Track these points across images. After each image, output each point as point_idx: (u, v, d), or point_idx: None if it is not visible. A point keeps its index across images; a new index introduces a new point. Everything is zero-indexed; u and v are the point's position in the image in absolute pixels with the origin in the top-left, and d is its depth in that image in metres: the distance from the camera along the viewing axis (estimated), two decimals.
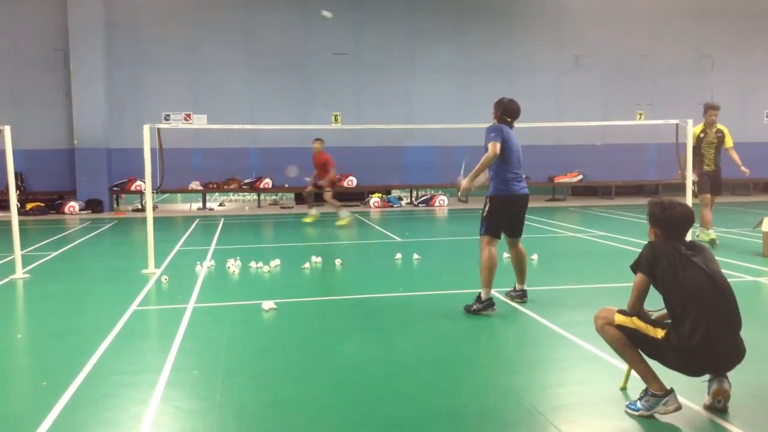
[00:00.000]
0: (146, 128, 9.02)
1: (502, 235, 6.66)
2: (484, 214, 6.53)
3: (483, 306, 6.34)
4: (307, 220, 14.85)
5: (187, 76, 19.24)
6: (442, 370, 4.87)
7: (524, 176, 6.72)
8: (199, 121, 19.04)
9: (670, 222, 4.01)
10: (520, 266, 6.87)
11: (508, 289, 7.05)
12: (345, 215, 14.48)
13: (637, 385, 4.12)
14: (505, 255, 9.35)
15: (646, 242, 4.12)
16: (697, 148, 10.60)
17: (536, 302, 6.84)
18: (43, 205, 17.59)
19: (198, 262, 9.24)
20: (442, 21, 20.31)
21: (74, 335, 6.00)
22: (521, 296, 6.88)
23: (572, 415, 4.05)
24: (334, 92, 19.82)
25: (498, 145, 6.29)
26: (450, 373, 4.81)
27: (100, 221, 15.66)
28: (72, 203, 17.59)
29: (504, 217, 6.53)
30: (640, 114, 20.90)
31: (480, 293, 6.40)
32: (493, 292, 6.50)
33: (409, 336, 5.82)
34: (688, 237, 4.13)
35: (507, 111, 6.58)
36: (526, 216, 6.89)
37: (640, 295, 4.01)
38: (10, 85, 18.31)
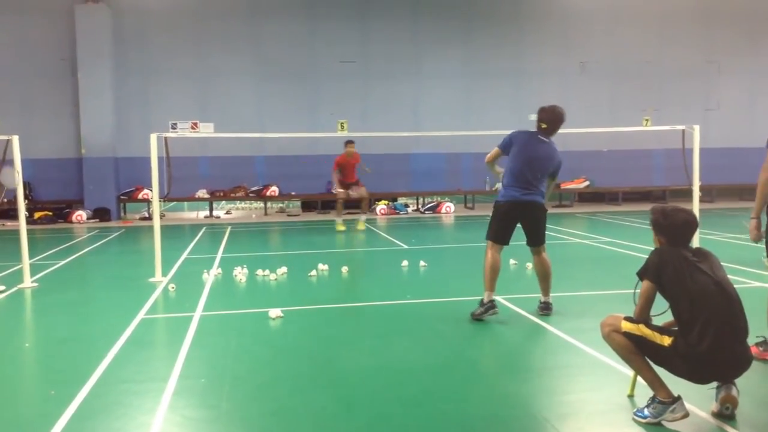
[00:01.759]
0: (153, 137, 9.06)
1: (527, 246, 6.72)
2: (490, 219, 6.63)
3: (484, 309, 6.36)
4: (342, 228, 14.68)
5: (194, 84, 19.31)
6: (448, 377, 4.87)
7: (540, 187, 6.54)
8: (206, 130, 19.07)
9: (673, 229, 4.01)
10: (542, 276, 6.70)
11: (513, 296, 7.08)
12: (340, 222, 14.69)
13: (644, 392, 4.12)
14: (510, 262, 9.40)
15: (652, 249, 4.12)
16: None
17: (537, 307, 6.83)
18: (50, 214, 17.64)
19: (205, 270, 9.26)
20: (448, 28, 20.33)
21: (82, 344, 6.03)
22: (543, 309, 6.67)
23: (580, 422, 4.04)
24: (341, 100, 19.84)
25: (495, 150, 6.70)
26: (456, 380, 4.81)
27: (108, 230, 15.72)
28: (79, 212, 17.64)
29: (505, 223, 6.51)
30: (647, 120, 20.85)
31: (483, 296, 6.42)
32: (498, 299, 6.49)
33: (415, 343, 5.82)
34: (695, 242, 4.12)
35: (542, 116, 6.67)
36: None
37: (647, 303, 4.00)
38: (18, 95, 18.40)
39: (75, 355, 5.63)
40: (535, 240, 6.63)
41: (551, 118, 6.63)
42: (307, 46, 19.74)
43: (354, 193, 14.87)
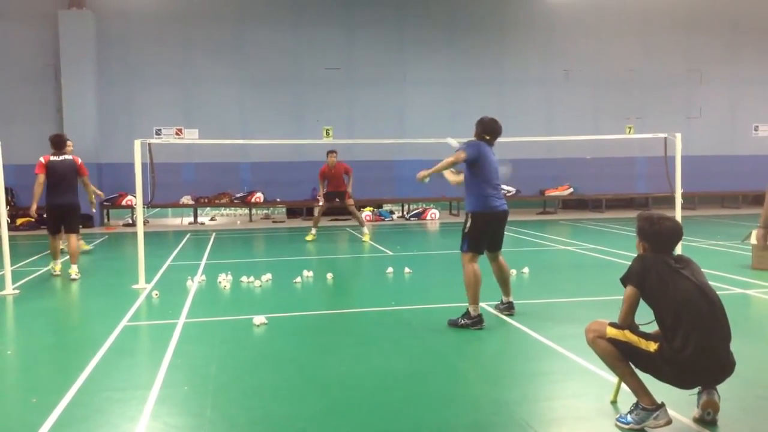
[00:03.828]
0: (137, 143, 9.02)
1: (487, 251, 6.78)
2: (466, 230, 6.57)
3: (472, 322, 6.36)
4: (309, 238, 14.16)
5: (179, 90, 19.25)
6: (433, 384, 4.87)
7: (503, 193, 6.85)
8: (191, 136, 19.03)
9: (658, 236, 4.03)
10: (503, 279, 6.96)
11: (496, 303, 7.09)
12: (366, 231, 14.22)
13: (627, 398, 4.14)
14: (510, 271, 9.42)
15: (635, 255, 4.15)
16: None
17: (527, 315, 6.86)
18: (33, 220, 17.46)
19: (189, 277, 9.21)
20: (433, 35, 20.41)
21: (64, 351, 5.98)
22: (508, 308, 6.97)
23: (563, 428, 4.06)
24: (326, 106, 19.86)
25: (463, 155, 6.46)
26: (441, 387, 4.81)
27: (91, 236, 15.59)
28: None
29: (485, 233, 6.59)
30: (630, 127, 21.03)
31: (468, 309, 6.42)
32: (483, 305, 6.50)
33: (399, 350, 5.82)
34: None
35: (486, 129, 6.71)
36: (513, 228, 6.97)
37: (631, 308, 4.02)
38: (1, 100, 18.24)
39: (57, 363, 5.59)
40: (499, 245, 6.84)
41: (495, 130, 6.73)
42: (292, 53, 19.74)
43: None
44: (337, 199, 14.35)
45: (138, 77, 18.94)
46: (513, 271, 9.11)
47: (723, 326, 3.86)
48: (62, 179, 9.89)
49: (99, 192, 10.67)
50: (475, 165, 6.51)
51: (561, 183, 20.73)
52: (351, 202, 14.34)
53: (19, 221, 17.13)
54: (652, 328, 4.06)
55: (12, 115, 18.23)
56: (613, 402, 4.34)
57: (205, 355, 5.66)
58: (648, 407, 3.90)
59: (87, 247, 10.98)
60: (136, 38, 18.91)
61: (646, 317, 4.06)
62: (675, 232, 4.06)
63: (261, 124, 19.34)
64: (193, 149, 19.16)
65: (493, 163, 6.62)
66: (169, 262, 11.15)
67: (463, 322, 6.39)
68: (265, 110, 19.59)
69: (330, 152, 14.16)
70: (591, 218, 18.64)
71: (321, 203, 14.44)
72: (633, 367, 4.01)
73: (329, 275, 9.34)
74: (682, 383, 3.94)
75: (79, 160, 10.20)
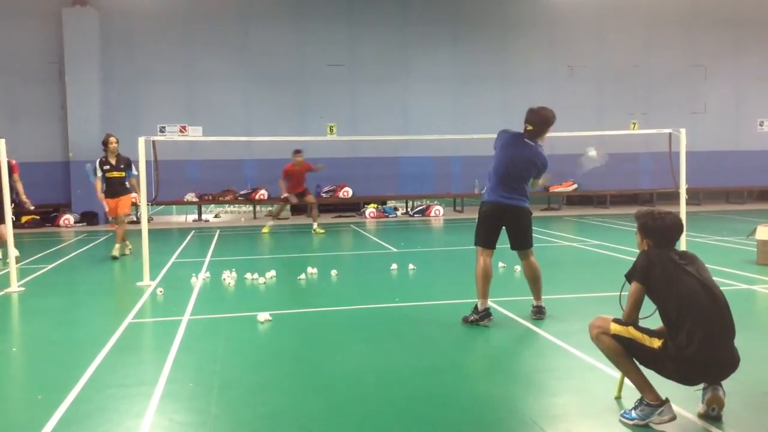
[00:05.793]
0: (141, 140, 9.02)
1: (513, 250, 6.64)
2: (476, 223, 6.55)
3: (479, 317, 6.33)
4: (266, 230, 15.14)
5: (183, 88, 19.26)
6: (437, 381, 4.87)
7: (524, 188, 6.46)
8: (195, 133, 19.05)
9: (662, 231, 4.03)
10: (531, 280, 6.61)
11: (501, 299, 7.06)
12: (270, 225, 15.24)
13: (631, 393, 4.14)
14: (499, 266, 9.41)
15: (639, 251, 4.14)
16: None
17: (530, 311, 6.84)
18: (38, 217, 17.54)
19: (193, 274, 9.23)
20: (436, 32, 20.39)
21: (69, 348, 5.99)
22: (536, 313, 6.57)
23: (567, 424, 4.06)
24: (330, 103, 19.86)
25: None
26: (445, 384, 4.81)
27: (95, 234, 15.63)
28: (67, 216, 17.55)
29: (490, 226, 6.39)
30: (634, 123, 20.98)
31: (477, 303, 6.41)
32: (489, 302, 6.49)
33: (404, 346, 5.82)
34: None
35: (528, 119, 6.57)
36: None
37: (636, 304, 4.02)
38: (5, 98, 18.29)
39: (62, 360, 5.60)
40: (520, 244, 6.54)
41: (537, 120, 6.52)
42: (295, 50, 19.74)
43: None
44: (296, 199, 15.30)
45: (142, 74, 18.96)
46: (516, 268, 9.12)
47: (727, 322, 3.86)
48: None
49: (27, 200, 11.07)
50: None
51: (565, 179, 20.69)
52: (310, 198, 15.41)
53: (23, 219, 17.16)
54: (651, 320, 4.06)
55: (16, 113, 18.28)
56: (618, 398, 4.34)
57: (209, 352, 5.67)
58: (652, 403, 3.90)
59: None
60: (140, 36, 18.93)
61: (646, 312, 4.05)
62: (677, 226, 4.07)
63: (265, 121, 19.35)
64: (197, 146, 19.18)
65: (507, 155, 6.35)
66: (173, 259, 11.17)
67: (471, 318, 6.37)
68: (268, 107, 19.60)
69: (296, 151, 14.85)
70: (595, 214, 18.62)
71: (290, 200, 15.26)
72: (637, 363, 4.01)
73: (333, 272, 9.34)
74: (687, 380, 3.93)
75: (14, 161, 10.67)
